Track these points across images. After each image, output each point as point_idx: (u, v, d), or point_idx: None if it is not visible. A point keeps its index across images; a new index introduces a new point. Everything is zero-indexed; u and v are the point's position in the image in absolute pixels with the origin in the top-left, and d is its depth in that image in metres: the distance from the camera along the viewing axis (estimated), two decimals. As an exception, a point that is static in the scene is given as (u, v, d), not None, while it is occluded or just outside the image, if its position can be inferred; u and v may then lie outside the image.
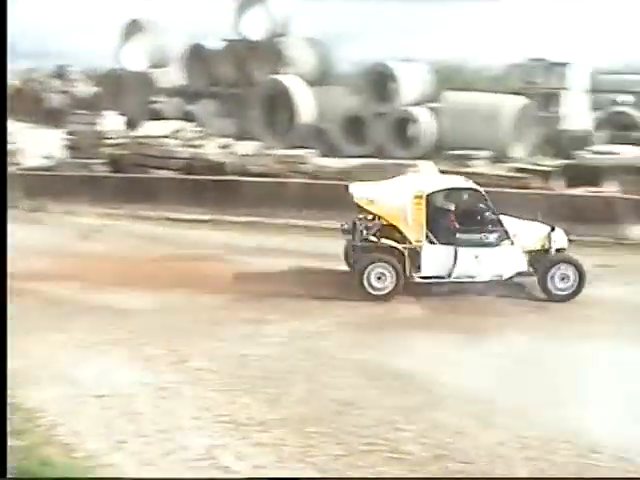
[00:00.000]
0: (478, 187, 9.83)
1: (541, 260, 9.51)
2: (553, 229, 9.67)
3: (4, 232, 6.45)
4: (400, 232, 9.46)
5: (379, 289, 9.33)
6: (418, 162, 13.78)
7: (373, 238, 9.57)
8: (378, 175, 10.76)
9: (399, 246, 9.42)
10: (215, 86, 21.25)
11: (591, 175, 14.62)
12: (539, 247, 9.62)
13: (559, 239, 9.69)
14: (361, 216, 9.77)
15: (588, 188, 14.19)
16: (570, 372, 7.03)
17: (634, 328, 8.27)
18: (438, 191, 9.69)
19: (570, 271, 9.31)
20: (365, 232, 9.59)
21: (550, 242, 9.61)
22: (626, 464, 5.36)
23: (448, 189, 9.85)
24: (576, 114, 20.23)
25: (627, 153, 16.08)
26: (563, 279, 9.33)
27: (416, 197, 9.39)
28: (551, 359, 7.35)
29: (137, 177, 15.73)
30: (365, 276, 9.33)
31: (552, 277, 9.32)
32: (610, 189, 14.23)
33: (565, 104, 20.62)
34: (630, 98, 22.25)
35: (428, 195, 9.42)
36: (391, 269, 9.29)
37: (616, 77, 24.43)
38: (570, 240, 10.50)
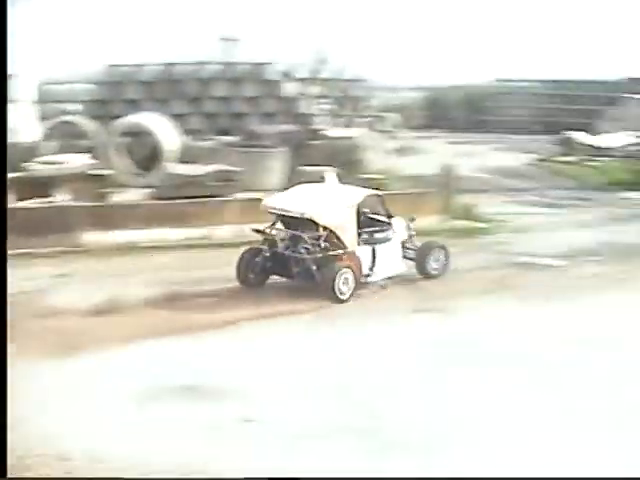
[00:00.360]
0: (379, 192, 11.77)
1: (416, 247, 11.65)
2: (412, 220, 11.73)
3: (4, 235, 6.53)
4: (338, 239, 10.57)
5: (344, 293, 10.35)
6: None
7: (331, 248, 10.53)
8: None
9: (347, 251, 10.64)
10: None
11: (41, 186, 15.01)
12: (406, 237, 11.58)
13: (411, 229, 11.73)
14: (269, 228, 10.81)
15: (39, 199, 14.58)
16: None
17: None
18: (362, 199, 11.03)
19: (442, 254, 11.72)
20: (318, 243, 10.42)
21: (410, 232, 11.68)
22: (98, 464, 5.86)
23: (367, 196, 11.21)
24: (24, 126, 20.79)
25: (74, 161, 16.86)
26: (437, 260, 11.66)
27: (351, 207, 10.79)
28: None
29: None
30: (336, 282, 10.23)
31: (429, 260, 11.58)
32: (61, 198, 14.90)
33: (11, 116, 21.08)
34: (78, 107, 23.77)
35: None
36: (351, 273, 10.40)
37: (63, 87, 25.72)
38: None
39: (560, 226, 16.22)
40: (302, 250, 10.49)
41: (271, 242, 10.90)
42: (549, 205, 19.20)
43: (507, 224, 16.09)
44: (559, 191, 21.45)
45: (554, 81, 40.18)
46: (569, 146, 27.38)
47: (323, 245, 10.46)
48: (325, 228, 10.47)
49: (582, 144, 27.60)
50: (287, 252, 10.67)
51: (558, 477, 5.62)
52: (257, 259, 10.85)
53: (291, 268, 10.64)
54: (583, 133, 29.45)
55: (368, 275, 10.95)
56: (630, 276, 12.05)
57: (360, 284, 10.62)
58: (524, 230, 15.65)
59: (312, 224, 10.45)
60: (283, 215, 10.78)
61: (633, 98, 30.17)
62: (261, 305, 9.90)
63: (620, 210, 18.62)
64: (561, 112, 37.53)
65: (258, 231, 10.97)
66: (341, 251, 10.58)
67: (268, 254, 10.81)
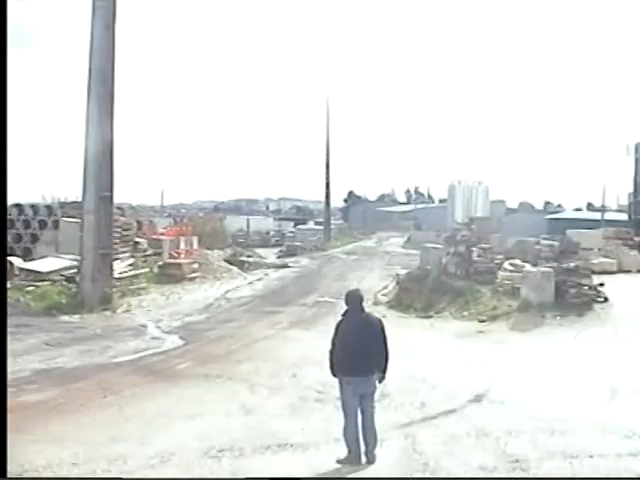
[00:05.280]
0: None
1: None
2: None
3: (4, 234, 2.99)
4: None
5: None
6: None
7: None
8: None
9: None
10: None
11: None
12: None
13: None
14: None
15: None
16: None
17: None
18: None
19: None
20: None
21: None
22: None
23: None
24: None
25: None
26: None
27: None
28: None
29: None
30: None
31: None
32: None
33: None
34: None
35: None
36: None
37: None
38: None
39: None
40: None
41: None
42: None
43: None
44: (-4, 319, 21.86)
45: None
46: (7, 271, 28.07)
47: None
48: None
49: (19, 269, 28.58)
50: None
51: (558, 477, 5.91)
52: None
53: None
54: (19, 258, 30.59)
55: None
56: (69, 400, 13.03)
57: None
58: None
59: None
60: None
61: (67, 221, 32.51)
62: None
63: (58, 334, 19.91)
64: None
65: None
66: None
67: None
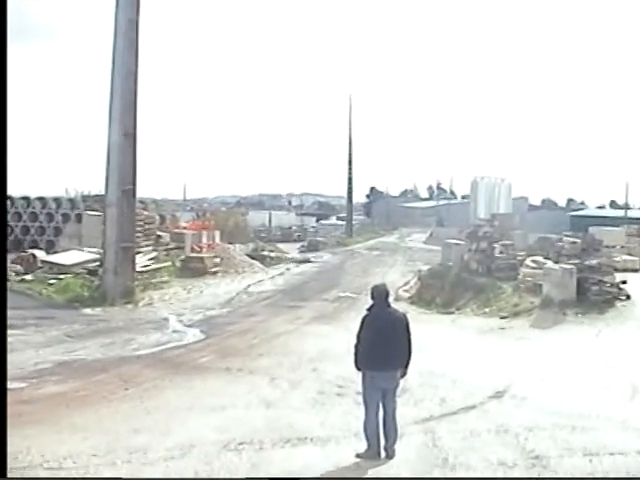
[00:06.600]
0: None
1: None
2: None
3: (4, 233, 2.84)
4: None
5: None
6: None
7: None
8: None
9: None
10: None
11: None
12: None
13: None
14: None
15: None
16: None
17: None
18: None
19: None
20: None
21: None
22: None
23: None
24: None
25: None
26: None
27: None
28: None
29: None
30: None
31: None
32: None
33: None
34: None
35: None
36: None
37: None
38: None
39: (20, 347, 16.82)
40: None
41: None
42: (9, 326, 19.61)
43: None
44: (20, 311, 22.04)
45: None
46: (29, 264, 28.35)
47: None
48: None
49: (42, 261, 28.84)
50: None
51: (557, 477, 6.02)
52: None
53: None
54: (43, 251, 30.87)
55: None
56: (91, 392, 13.13)
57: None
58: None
59: None
60: None
61: (90, 214, 32.76)
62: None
63: (80, 326, 20.08)
64: (23, 229, 38.40)
65: None
66: None
67: None
